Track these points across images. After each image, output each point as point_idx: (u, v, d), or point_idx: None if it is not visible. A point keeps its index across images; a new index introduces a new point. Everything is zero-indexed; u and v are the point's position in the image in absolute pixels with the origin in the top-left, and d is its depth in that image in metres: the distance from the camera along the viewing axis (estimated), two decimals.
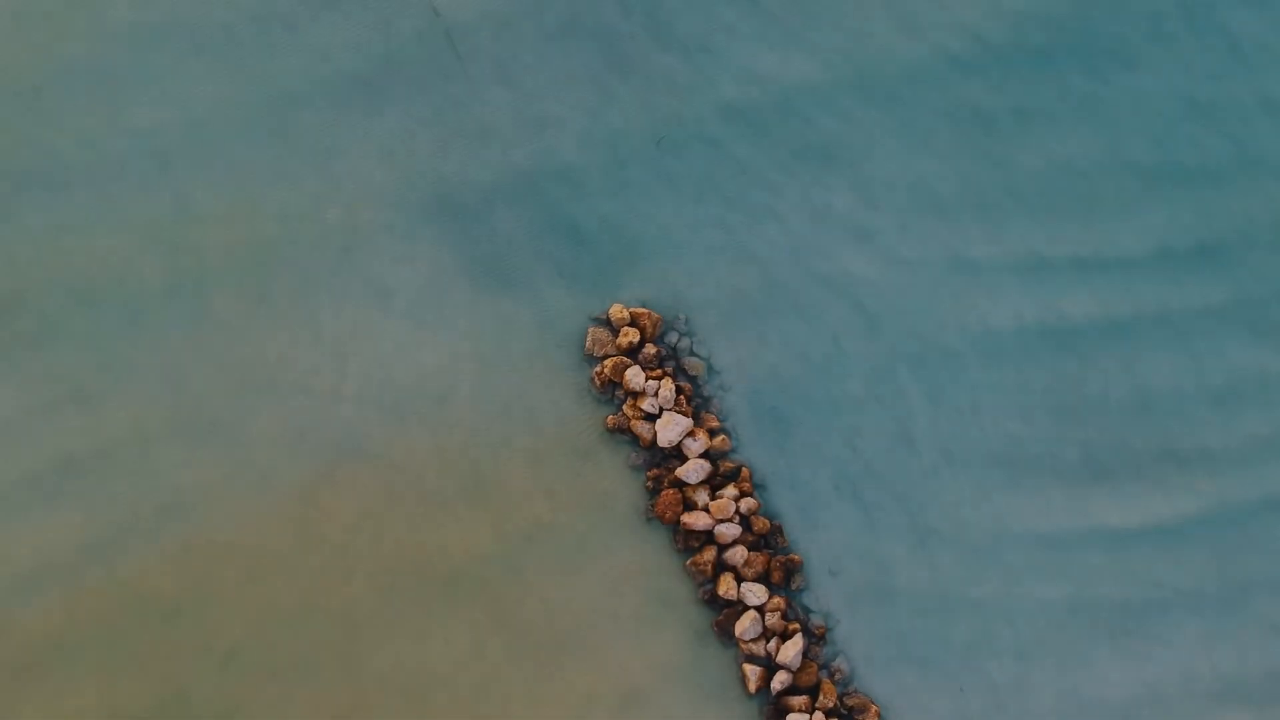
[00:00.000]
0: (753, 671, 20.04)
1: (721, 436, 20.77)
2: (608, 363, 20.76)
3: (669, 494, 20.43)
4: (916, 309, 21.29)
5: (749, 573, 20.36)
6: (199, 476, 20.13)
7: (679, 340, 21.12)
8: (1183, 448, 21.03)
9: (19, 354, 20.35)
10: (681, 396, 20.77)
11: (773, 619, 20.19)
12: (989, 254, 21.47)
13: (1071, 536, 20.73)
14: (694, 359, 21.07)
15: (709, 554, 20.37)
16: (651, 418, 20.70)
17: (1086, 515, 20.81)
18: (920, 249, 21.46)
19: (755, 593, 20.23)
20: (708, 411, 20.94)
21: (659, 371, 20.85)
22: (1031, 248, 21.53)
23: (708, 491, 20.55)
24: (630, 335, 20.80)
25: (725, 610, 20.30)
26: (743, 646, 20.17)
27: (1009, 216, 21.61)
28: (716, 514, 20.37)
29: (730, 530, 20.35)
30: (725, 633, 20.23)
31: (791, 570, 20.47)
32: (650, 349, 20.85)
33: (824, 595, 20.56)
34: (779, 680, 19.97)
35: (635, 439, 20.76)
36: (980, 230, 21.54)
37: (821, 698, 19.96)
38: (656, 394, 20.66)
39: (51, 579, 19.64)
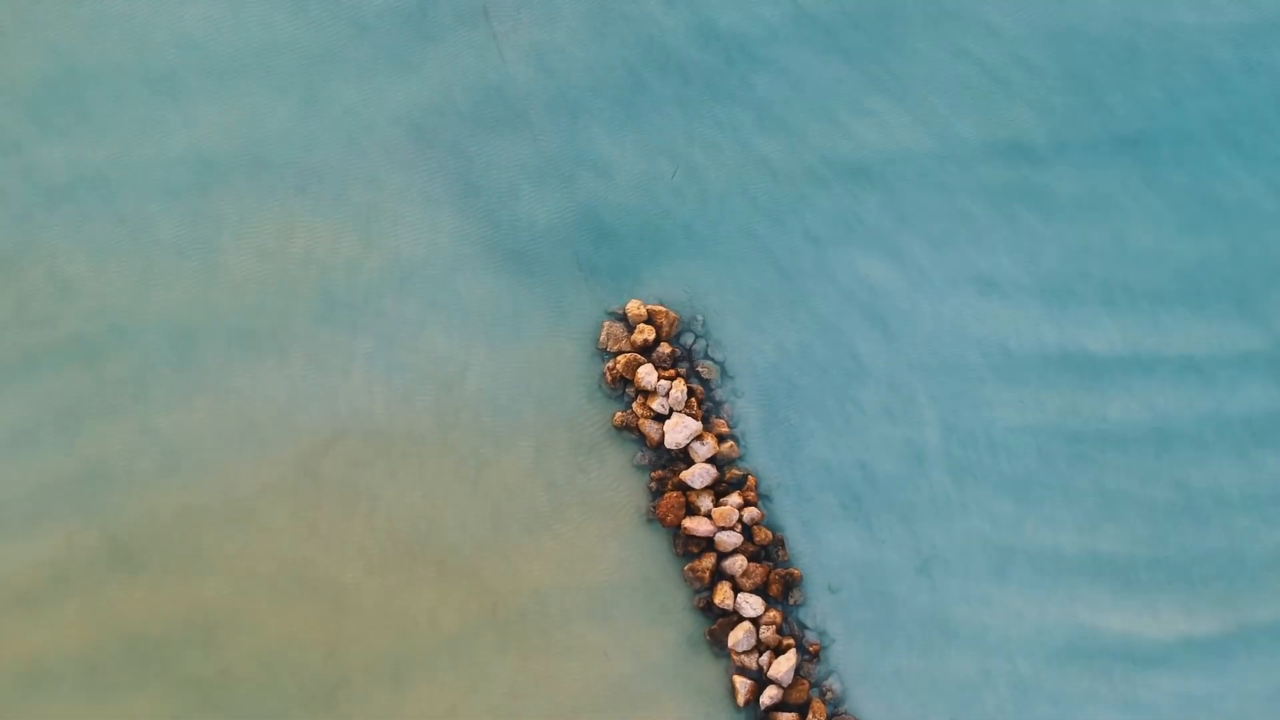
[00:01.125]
0: (743, 684, 19.69)
1: (730, 443, 20.42)
2: (621, 359, 20.43)
3: (672, 497, 20.10)
4: (937, 328, 20.90)
5: (747, 583, 20.01)
6: (197, 436, 19.91)
7: (695, 341, 20.78)
8: (1198, 487, 20.59)
9: (34, 303, 20.22)
10: (693, 399, 20.43)
11: (767, 632, 19.84)
12: (1015, 277, 21.06)
13: (1079, 575, 20.32)
14: (708, 362, 20.73)
15: (708, 561, 20.02)
16: (660, 418, 20.37)
17: (1095, 554, 20.39)
18: (947, 268, 21.07)
19: (752, 604, 19.88)
20: (718, 416, 20.59)
21: (672, 372, 20.51)
22: (1059, 276, 21.11)
23: (711, 497, 20.20)
24: (646, 333, 20.47)
25: (720, 619, 19.95)
26: (735, 658, 19.82)
27: (1041, 242, 21.18)
28: (719, 521, 20.03)
29: (731, 538, 20.00)
30: (718, 642, 19.88)
31: (790, 584, 20.11)
32: (665, 348, 20.52)
33: (822, 612, 20.20)
34: (769, 695, 19.61)
35: (642, 438, 20.43)
36: (1009, 253, 21.13)
37: (810, 716, 19.61)
38: (668, 394, 20.32)
39: (43, 523, 19.55)
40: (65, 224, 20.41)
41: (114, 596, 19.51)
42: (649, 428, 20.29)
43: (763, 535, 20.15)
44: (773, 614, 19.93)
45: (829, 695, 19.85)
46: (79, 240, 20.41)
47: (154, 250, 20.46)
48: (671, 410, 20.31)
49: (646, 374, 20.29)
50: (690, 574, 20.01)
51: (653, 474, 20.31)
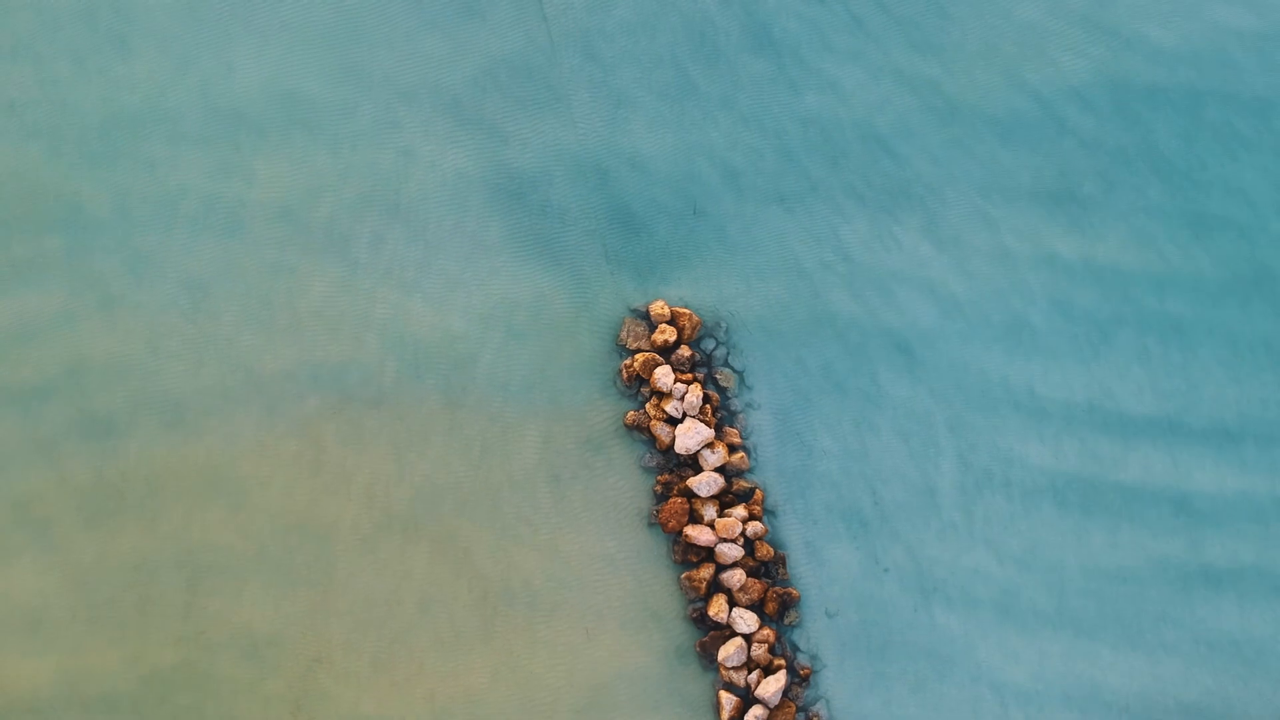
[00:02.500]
0: (728, 700, 19.27)
1: (741, 454, 20.02)
2: (639, 357, 20.06)
3: (676, 503, 19.71)
4: (964, 361, 20.46)
5: (743, 598, 19.60)
6: (203, 390, 19.66)
7: (715, 348, 20.38)
8: (1214, 554, 20.09)
9: (49, 253, 19.96)
10: (708, 405, 20.04)
11: (759, 650, 19.42)
12: (1051, 320, 20.59)
13: (1082, 625, 19.84)
14: (727, 370, 20.33)
15: (706, 571, 19.62)
16: (673, 421, 19.98)
17: (1101, 604, 19.91)
18: (982, 302, 20.62)
19: (746, 620, 19.46)
20: (731, 426, 20.19)
21: (689, 376, 20.12)
22: (1095, 322, 20.63)
23: (716, 507, 19.80)
24: (667, 333, 20.09)
25: (712, 632, 19.55)
26: (723, 673, 19.41)
27: (1080, 285, 20.70)
28: (721, 532, 19.62)
29: (732, 551, 19.60)
30: (708, 655, 19.47)
31: (787, 604, 19.69)
32: (685, 351, 20.13)
33: (816, 636, 19.77)
34: (753, 714, 19.20)
35: (652, 440, 20.04)
36: (1046, 296, 20.66)
37: None
38: (683, 398, 19.93)
39: (40, 460, 19.37)
40: (94, 162, 20.16)
41: (99, 541, 19.29)
42: (660, 430, 19.90)
43: (764, 551, 19.74)
44: (766, 632, 19.51)
45: None
46: (105, 180, 20.17)
47: (180, 198, 20.19)
48: (685, 414, 19.92)
49: (663, 375, 19.91)
50: (687, 583, 19.61)
51: (659, 477, 19.93)
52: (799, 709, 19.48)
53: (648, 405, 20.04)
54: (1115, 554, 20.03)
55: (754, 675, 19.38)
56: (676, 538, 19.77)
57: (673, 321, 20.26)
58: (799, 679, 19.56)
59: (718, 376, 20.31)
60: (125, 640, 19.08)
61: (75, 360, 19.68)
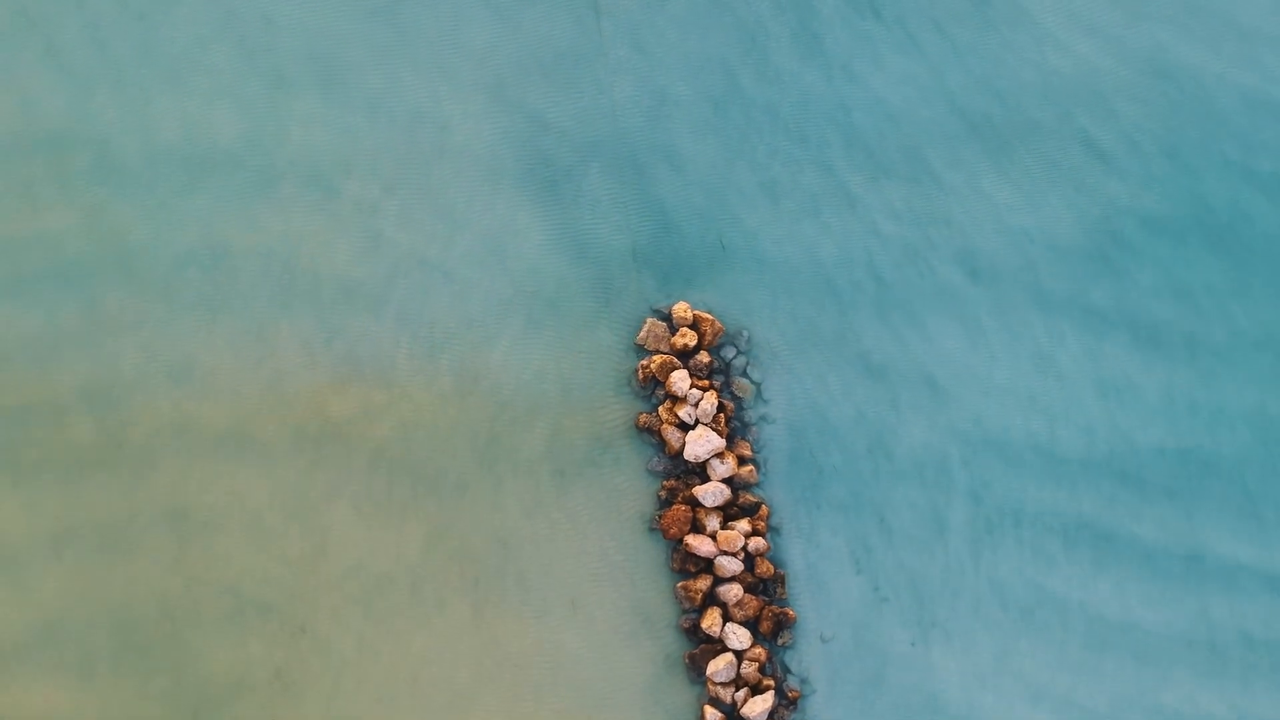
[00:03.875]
0: (713, 715, 18.89)
1: (750, 467, 19.65)
2: (657, 359, 19.71)
3: (680, 510, 19.35)
4: (987, 399, 20.03)
5: (738, 614, 19.22)
6: (215, 350, 19.44)
7: (735, 356, 20.02)
8: (1220, 620, 19.60)
9: (78, 189, 19.75)
10: (722, 414, 19.67)
11: (749, 669, 19.03)
12: (1079, 364, 20.15)
13: (1079, 680, 19.38)
14: (745, 380, 19.96)
15: (703, 583, 19.25)
16: (685, 427, 19.62)
17: (1101, 659, 19.44)
18: (1010, 338, 20.20)
19: (739, 636, 19.08)
20: (744, 438, 19.82)
21: (706, 383, 19.76)
22: (1125, 370, 20.17)
23: (720, 519, 19.43)
24: (688, 337, 19.74)
25: (703, 645, 19.17)
26: (710, 687, 19.03)
27: (1112, 330, 20.24)
28: (723, 544, 19.25)
29: (732, 565, 19.22)
30: (696, 668, 19.09)
31: (783, 624, 19.30)
32: (703, 357, 19.78)
33: (808, 660, 19.37)
34: None
35: (662, 444, 19.69)
36: (1078, 339, 20.22)
37: None
38: (697, 404, 19.58)
39: (41, 414, 19.20)
40: (127, 110, 19.98)
41: (92, 489, 19.08)
42: (671, 435, 19.55)
43: (764, 568, 19.35)
44: (758, 651, 19.12)
45: None
46: (136, 129, 19.97)
47: (211, 152, 19.98)
48: (698, 421, 19.57)
49: (680, 379, 19.55)
50: (682, 592, 19.24)
51: (665, 482, 19.58)
52: None
53: (661, 408, 19.69)
54: (1122, 607, 19.55)
55: (741, 693, 18.99)
56: (676, 545, 19.41)
57: (695, 326, 19.91)
58: (787, 701, 19.16)
59: (735, 386, 19.95)
60: (109, 589, 18.84)
61: (89, 305, 19.47)
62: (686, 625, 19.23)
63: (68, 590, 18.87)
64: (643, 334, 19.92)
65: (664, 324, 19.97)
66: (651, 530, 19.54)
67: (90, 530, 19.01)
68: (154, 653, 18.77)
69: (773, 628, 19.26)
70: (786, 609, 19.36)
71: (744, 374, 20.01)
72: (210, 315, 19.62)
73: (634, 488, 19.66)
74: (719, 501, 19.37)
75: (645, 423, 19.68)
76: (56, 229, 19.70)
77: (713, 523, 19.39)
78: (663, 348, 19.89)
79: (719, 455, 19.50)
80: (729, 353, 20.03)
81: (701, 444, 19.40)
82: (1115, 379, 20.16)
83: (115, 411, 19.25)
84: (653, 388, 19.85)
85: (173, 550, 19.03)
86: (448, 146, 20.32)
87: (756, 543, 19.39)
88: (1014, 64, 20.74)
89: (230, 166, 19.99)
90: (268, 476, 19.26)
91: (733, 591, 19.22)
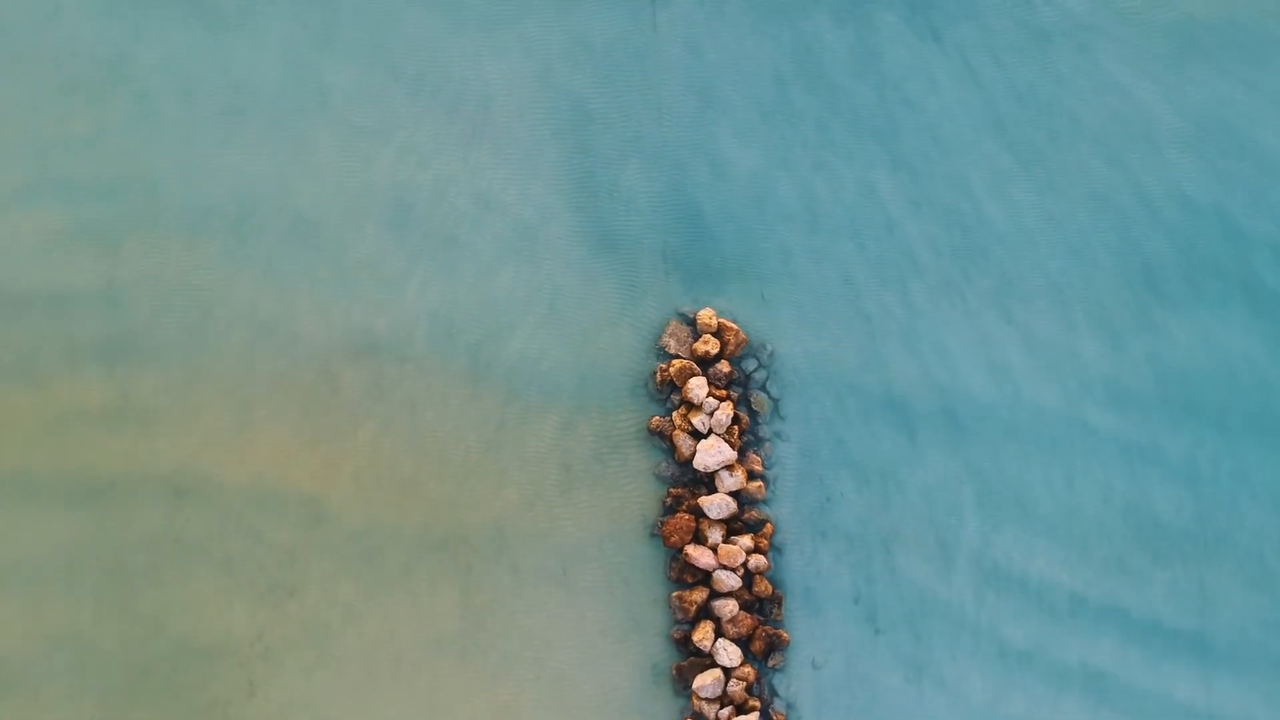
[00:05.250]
0: None
1: (759, 483, 19.28)
2: (676, 363, 19.37)
3: (683, 518, 19.00)
4: (1008, 438, 19.58)
5: (731, 630, 18.84)
6: (232, 307, 19.29)
7: (756, 369, 19.65)
8: (1224, 694, 19.10)
9: (107, 135, 19.57)
10: (736, 426, 19.32)
11: (736, 687, 18.65)
12: (1105, 419, 19.66)
13: None
14: (763, 395, 19.59)
15: (699, 595, 18.89)
16: (697, 435, 19.27)
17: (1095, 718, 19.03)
18: (1039, 383, 19.73)
19: (729, 653, 18.71)
20: (756, 452, 19.46)
21: (724, 392, 19.41)
22: (1152, 430, 19.65)
23: (723, 532, 19.07)
24: (710, 345, 19.39)
25: (692, 658, 18.81)
26: (695, 702, 18.66)
27: (1142, 386, 19.75)
28: (723, 558, 18.89)
29: (730, 580, 18.85)
30: (683, 680, 18.73)
31: (775, 646, 18.91)
32: (724, 366, 19.42)
33: (797, 685, 18.97)
34: None
35: (672, 450, 19.35)
36: (1106, 386, 19.75)
37: None
38: (712, 414, 19.23)
39: (58, 354, 19.05)
40: (169, 53, 19.86)
41: (95, 440, 18.95)
42: (682, 441, 19.20)
43: (762, 587, 18.97)
44: (747, 670, 18.74)
45: None
46: (177, 72, 19.82)
47: (251, 109, 19.79)
48: (711, 431, 19.21)
49: (697, 386, 19.21)
50: (677, 602, 18.89)
51: (671, 489, 19.23)
52: None
53: (675, 414, 19.35)
54: (1123, 669, 19.07)
55: (726, 711, 18.61)
56: (676, 554, 19.06)
57: (718, 334, 19.56)
58: None
59: (752, 399, 19.59)
60: (100, 533, 18.66)
61: (110, 252, 19.29)
62: (678, 636, 18.88)
63: (58, 530, 18.69)
64: (665, 336, 19.59)
65: (687, 328, 19.64)
66: (652, 536, 19.21)
67: (93, 479, 18.85)
68: (139, 597, 18.55)
69: (765, 648, 18.88)
70: (781, 630, 18.98)
71: (763, 388, 19.64)
72: (232, 269, 19.42)
73: (639, 491, 19.33)
74: (724, 514, 19.01)
75: (658, 427, 19.35)
76: (83, 173, 19.58)
77: (715, 535, 19.03)
78: (684, 353, 19.55)
79: (729, 467, 19.15)
80: (750, 365, 19.67)
81: (712, 454, 19.05)
82: (1140, 437, 19.66)
83: (125, 362, 19.07)
84: (669, 392, 19.51)
85: (168, 502, 18.82)
86: (488, 126, 20.05)
87: (757, 560, 19.02)
88: (1070, 103, 20.32)
89: (269, 123, 19.79)
90: (270, 440, 19.02)
91: (728, 607, 18.86)
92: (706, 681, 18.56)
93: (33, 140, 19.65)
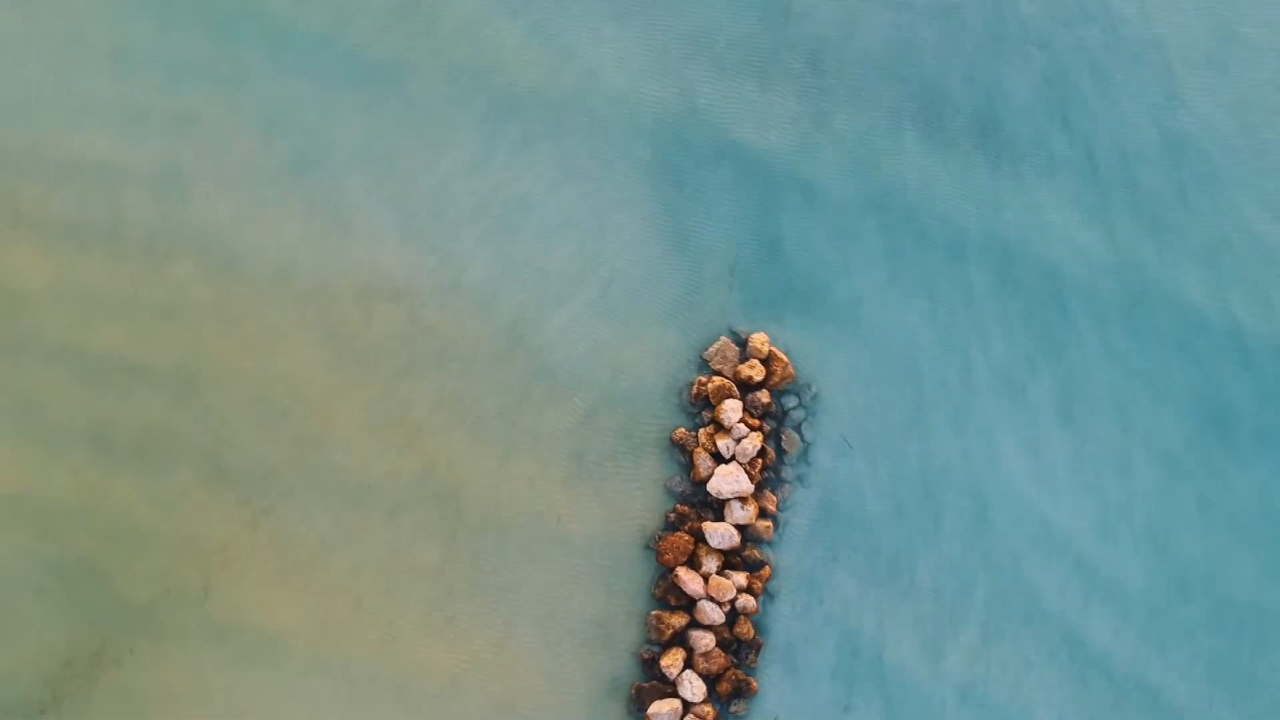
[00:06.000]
0: None
1: (769, 523, 18.42)
2: (716, 381, 18.57)
3: (682, 539, 18.17)
4: (1033, 541, 18.60)
5: (701, 665, 17.96)
6: (274, 232, 18.85)
7: (795, 407, 18.80)
8: None
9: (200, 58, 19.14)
10: (760, 460, 18.47)
11: None
12: (1141, 552, 18.60)
13: None
14: (796, 435, 18.73)
15: (678, 620, 18.04)
16: (719, 459, 18.45)
17: None
18: (1079, 499, 18.71)
19: (694, 688, 17.83)
20: (774, 491, 18.60)
21: (757, 422, 18.57)
22: (1184, 583, 18.56)
23: (719, 563, 18.21)
24: (755, 370, 18.58)
25: (655, 682, 17.95)
26: None
27: (1188, 529, 18.69)
28: (712, 589, 18.03)
29: (714, 614, 17.99)
30: (640, 702, 17.88)
31: (742, 692, 18.01)
32: (763, 396, 18.59)
33: None
34: None
35: (689, 466, 18.54)
36: (1151, 522, 18.67)
37: None
38: (740, 441, 18.40)
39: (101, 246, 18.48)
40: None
41: (116, 309, 18.50)
42: (702, 461, 18.39)
43: (745, 629, 18.09)
44: (707, 709, 17.84)
45: None
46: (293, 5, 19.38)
47: (339, 37, 19.28)
48: (734, 458, 18.39)
49: (732, 409, 18.39)
50: (654, 621, 18.04)
51: (678, 505, 18.42)
52: None
53: (702, 431, 18.55)
54: None
55: None
56: (666, 572, 18.23)
57: (766, 361, 18.74)
58: None
59: (783, 436, 18.73)
60: (97, 405, 18.18)
61: (171, 165, 18.86)
62: (646, 656, 18.03)
63: (58, 394, 18.21)
64: (711, 350, 18.81)
65: (737, 348, 18.84)
66: (647, 549, 18.39)
67: (101, 357, 18.45)
68: (115, 480, 17.99)
69: (731, 691, 17.99)
70: (752, 679, 18.07)
71: (797, 428, 18.79)
72: (296, 175, 18.89)
73: (645, 500, 18.53)
74: (725, 545, 18.16)
75: (680, 439, 18.56)
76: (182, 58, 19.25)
77: (711, 564, 18.18)
78: (726, 372, 18.76)
79: (742, 499, 18.31)
80: (790, 401, 18.83)
81: (729, 482, 18.22)
82: (1170, 584, 18.57)
83: (164, 246, 18.69)
84: (701, 408, 18.72)
85: (167, 410, 18.25)
86: (589, 93, 19.40)
87: (746, 601, 18.14)
88: (1186, 223, 19.33)
89: (352, 60, 19.29)
90: (288, 359, 18.43)
91: (705, 640, 17.99)
92: (663, 710, 17.68)
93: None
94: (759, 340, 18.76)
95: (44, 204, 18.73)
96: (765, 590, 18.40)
